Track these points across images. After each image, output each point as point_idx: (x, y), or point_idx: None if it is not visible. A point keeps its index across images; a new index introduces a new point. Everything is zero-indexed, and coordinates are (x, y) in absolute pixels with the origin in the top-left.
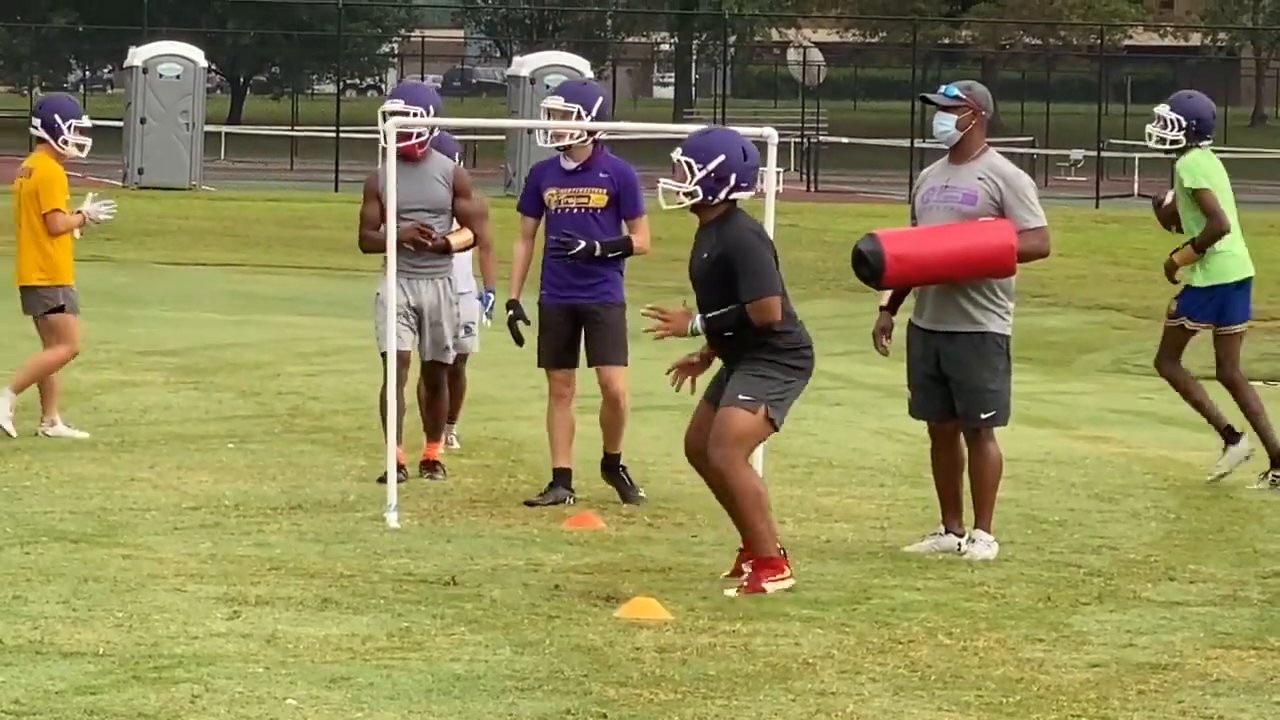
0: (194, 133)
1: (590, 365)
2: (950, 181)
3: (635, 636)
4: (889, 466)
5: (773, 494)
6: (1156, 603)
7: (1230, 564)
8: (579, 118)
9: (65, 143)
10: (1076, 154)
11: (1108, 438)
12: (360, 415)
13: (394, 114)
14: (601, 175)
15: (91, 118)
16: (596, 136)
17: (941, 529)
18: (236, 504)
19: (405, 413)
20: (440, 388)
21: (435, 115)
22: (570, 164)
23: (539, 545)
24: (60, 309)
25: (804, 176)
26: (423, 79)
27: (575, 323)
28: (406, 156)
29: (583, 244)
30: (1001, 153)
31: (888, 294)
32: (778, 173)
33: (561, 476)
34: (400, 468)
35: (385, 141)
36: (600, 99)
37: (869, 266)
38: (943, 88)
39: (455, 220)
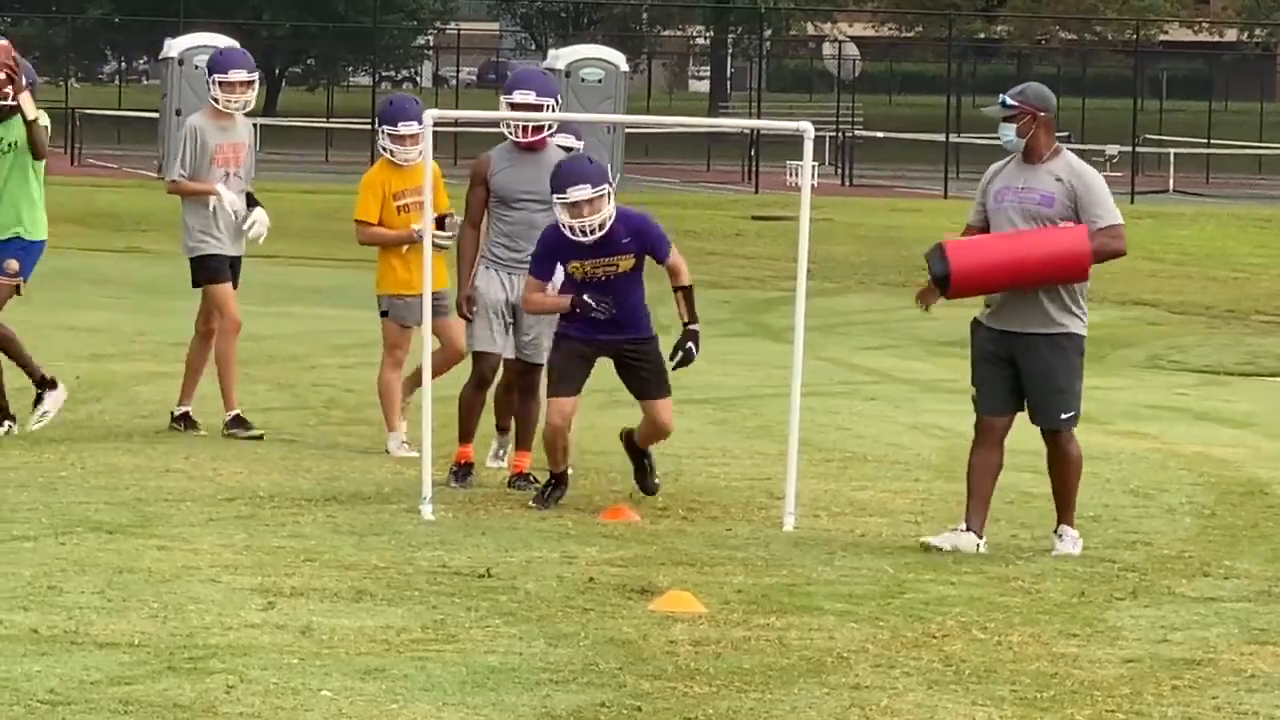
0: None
1: (638, 400)
2: (1027, 183)
3: (670, 629)
4: (923, 461)
5: (807, 488)
6: (1191, 598)
7: (1265, 560)
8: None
9: (384, 148)
10: (1111, 149)
11: (1143, 433)
12: None
13: (525, 106)
14: (625, 241)
15: (126, 109)
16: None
17: (963, 525)
18: (271, 495)
19: (482, 408)
20: (534, 391)
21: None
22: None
23: (573, 538)
24: (385, 314)
25: (839, 171)
26: (458, 72)
27: (614, 356)
28: (528, 146)
29: (693, 347)
30: None
31: None
32: (813, 167)
33: (563, 478)
34: (469, 465)
35: (511, 129)
36: (607, 172)
37: (936, 281)
38: (1001, 97)
39: None
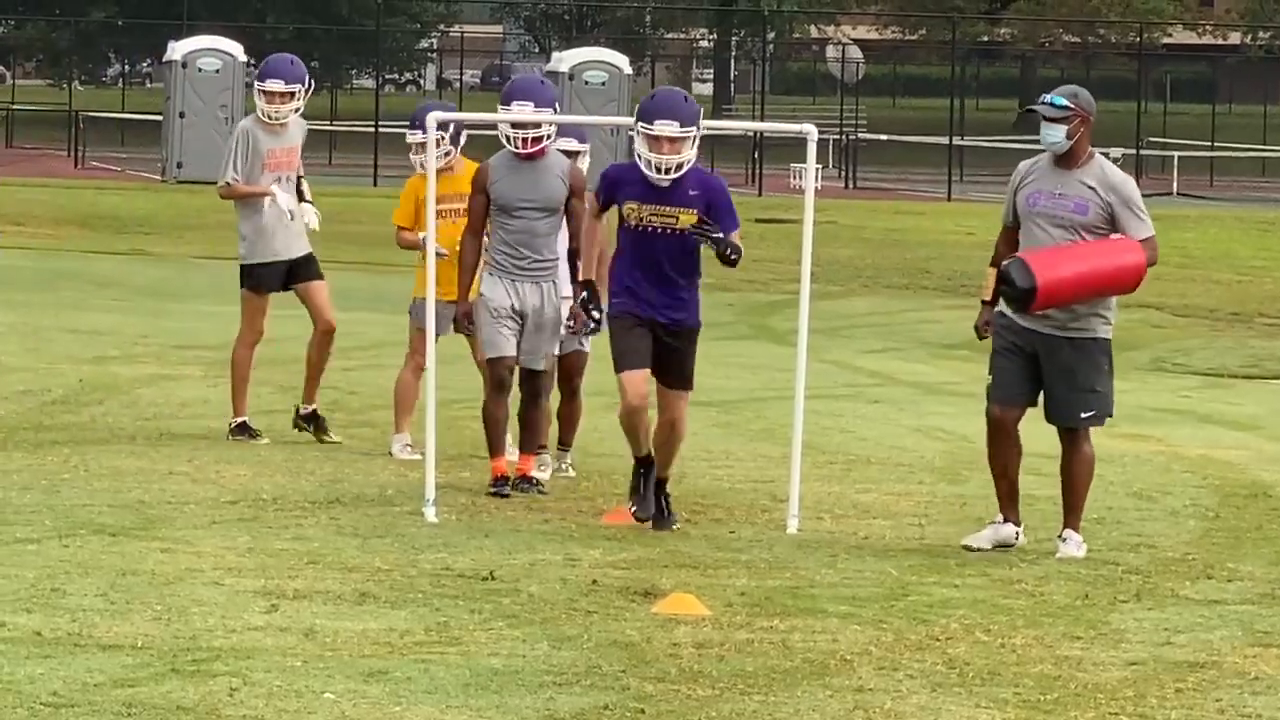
0: (233, 127)
1: (658, 383)
2: (1061, 189)
3: (673, 632)
4: (927, 464)
5: (810, 490)
6: (1194, 601)
7: (1268, 562)
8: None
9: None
10: (1115, 152)
11: (1146, 436)
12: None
13: (524, 117)
14: (691, 193)
15: (130, 112)
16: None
17: (1000, 518)
18: (275, 498)
19: (507, 417)
20: (539, 397)
21: (557, 111)
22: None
23: (576, 540)
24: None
25: (842, 173)
26: (461, 74)
27: (652, 332)
28: (528, 155)
29: (736, 243)
30: (1038, 150)
31: (990, 288)
32: (816, 169)
33: (648, 463)
34: (505, 479)
35: (509, 140)
36: (699, 114)
37: (1019, 294)
38: (1047, 97)
39: (566, 219)
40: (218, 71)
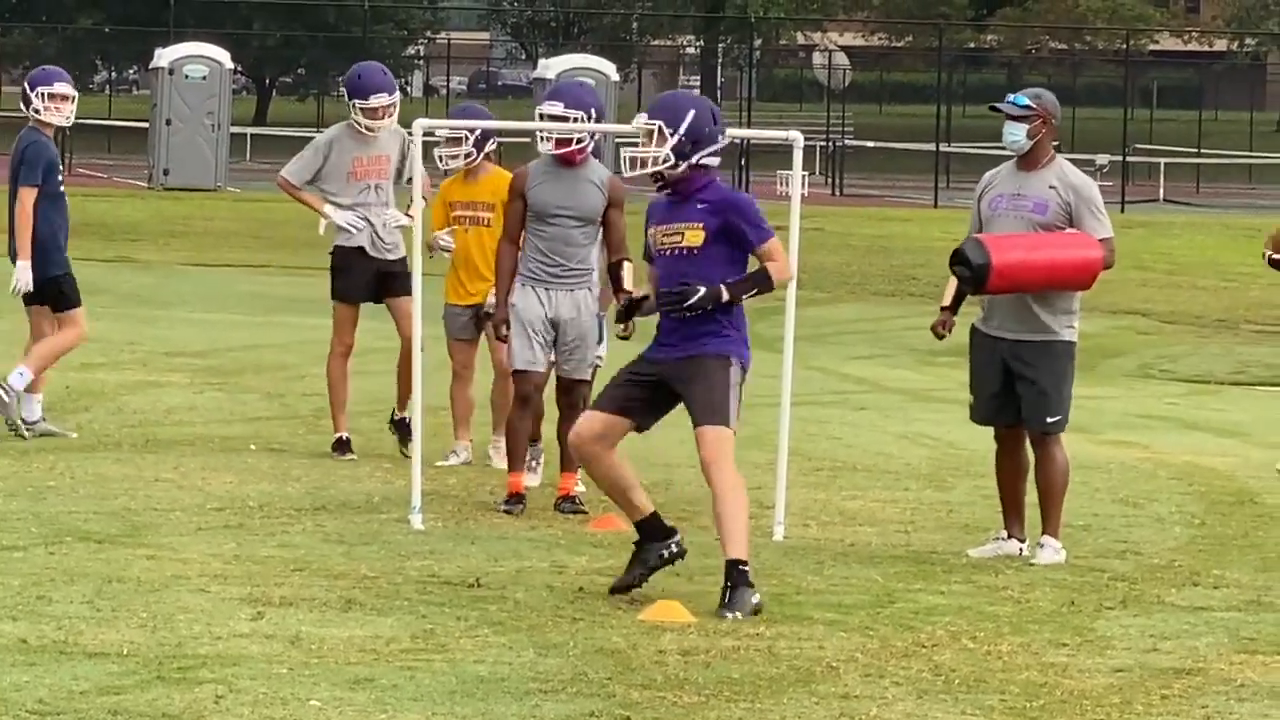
0: (219, 134)
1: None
2: (1021, 190)
3: (659, 639)
4: (913, 470)
5: (797, 497)
6: (1181, 608)
7: (1254, 569)
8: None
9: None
10: (1102, 159)
11: (1132, 443)
12: (384, 417)
13: (553, 118)
14: (699, 206)
15: (117, 119)
16: (696, 161)
17: (1004, 533)
18: (260, 505)
19: (528, 431)
20: (578, 409)
21: (599, 119)
22: (670, 194)
23: (563, 547)
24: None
25: (829, 180)
26: (448, 81)
27: (658, 384)
28: (565, 161)
29: (702, 290)
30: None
31: (950, 294)
32: (803, 176)
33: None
34: (520, 496)
35: (542, 140)
36: (675, 113)
37: (973, 272)
38: (1011, 96)
39: (605, 232)
40: (204, 78)
